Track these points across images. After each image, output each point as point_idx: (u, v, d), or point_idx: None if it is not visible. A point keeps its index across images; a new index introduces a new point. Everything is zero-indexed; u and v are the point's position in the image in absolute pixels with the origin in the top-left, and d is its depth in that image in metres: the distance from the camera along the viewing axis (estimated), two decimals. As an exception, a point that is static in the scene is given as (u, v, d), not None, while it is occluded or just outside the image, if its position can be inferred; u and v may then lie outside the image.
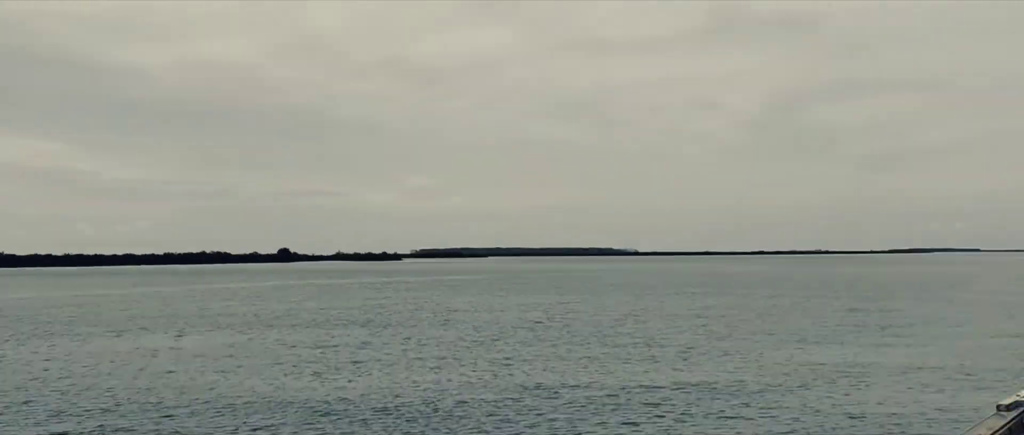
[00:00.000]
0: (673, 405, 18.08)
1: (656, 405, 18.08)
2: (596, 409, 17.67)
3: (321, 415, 17.34)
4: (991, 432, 6.76)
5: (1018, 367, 23.07)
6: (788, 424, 16.11)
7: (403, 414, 17.38)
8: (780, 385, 20.46)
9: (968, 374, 22.01)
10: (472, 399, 18.93)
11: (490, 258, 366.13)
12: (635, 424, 16.29)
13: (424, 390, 20.18)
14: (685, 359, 25.50)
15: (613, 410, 17.54)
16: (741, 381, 21.11)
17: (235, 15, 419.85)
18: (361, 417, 17.11)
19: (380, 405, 18.33)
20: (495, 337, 32.67)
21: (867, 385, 20.38)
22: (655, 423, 16.35)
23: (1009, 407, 7.52)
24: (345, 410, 17.83)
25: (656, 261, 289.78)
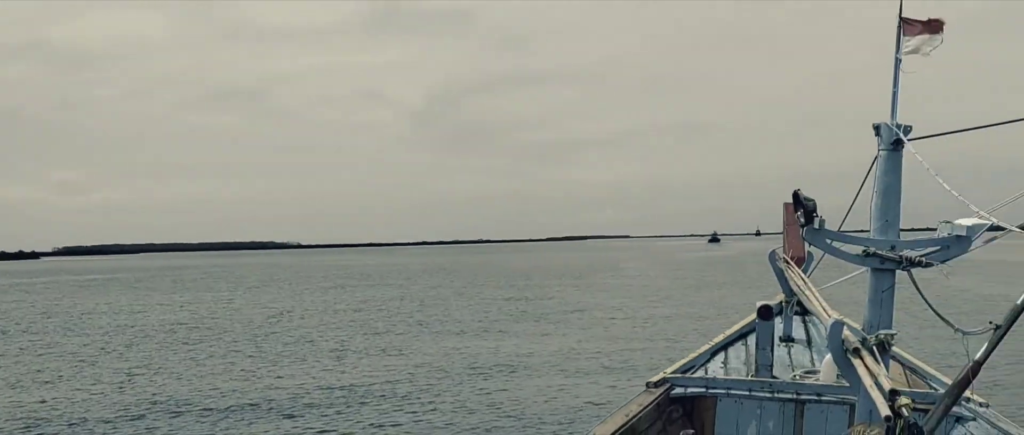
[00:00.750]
0: (320, 411, 16.77)
1: (300, 414, 16.62)
2: (231, 423, 15.96)
3: None
4: (640, 408, 7.40)
5: (665, 347, 24.24)
6: (442, 428, 15.35)
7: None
8: (436, 383, 19.71)
9: (623, 358, 22.69)
10: (86, 418, 16.52)
11: (142, 255, 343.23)
12: (272, 437, 14.94)
13: (30, 411, 17.46)
14: (339, 358, 24.21)
15: (250, 423, 15.89)
16: (396, 381, 20.12)
17: None
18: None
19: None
20: (129, 343, 29.48)
21: (525, 376, 20.29)
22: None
23: (657, 384, 8.12)
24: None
25: (320, 254, 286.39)
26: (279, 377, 21.08)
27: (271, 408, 17.31)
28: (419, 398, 18.07)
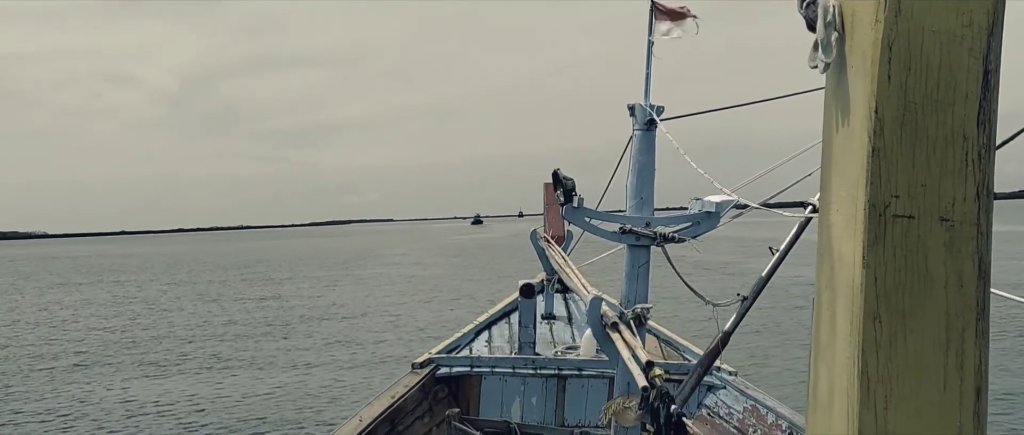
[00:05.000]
0: None
1: None
2: None
3: None
4: (406, 389, 7.66)
5: (430, 331, 24.02)
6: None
7: None
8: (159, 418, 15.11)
9: (391, 345, 22.28)
10: None
11: None
12: None
13: None
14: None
15: None
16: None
17: None
18: None
19: None
20: None
21: (282, 372, 19.37)
22: None
23: (423, 364, 8.31)
24: None
25: (67, 243, 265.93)
26: None
27: None
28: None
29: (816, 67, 1.63)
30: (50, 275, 67.69)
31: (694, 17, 6.22)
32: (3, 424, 15.00)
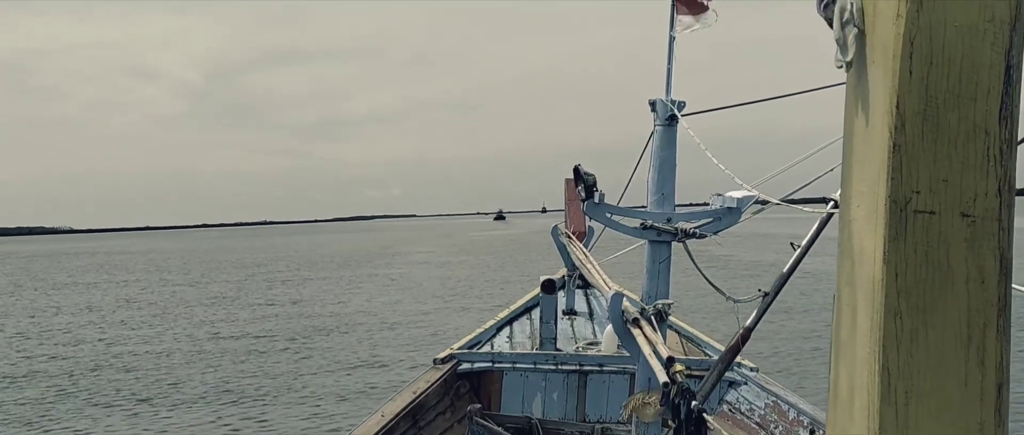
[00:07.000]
0: None
1: None
2: None
3: None
4: (428, 384, 7.67)
5: (452, 327, 23.98)
6: None
7: None
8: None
9: (413, 342, 22.22)
10: None
11: None
12: None
13: None
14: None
15: None
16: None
17: None
18: None
19: None
20: None
21: (304, 376, 19.48)
22: None
23: (444, 360, 8.33)
24: None
25: (90, 239, 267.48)
26: None
27: None
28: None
29: (842, 67, 1.63)
30: (59, 274, 64.11)
31: (710, 8, 6.18)
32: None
